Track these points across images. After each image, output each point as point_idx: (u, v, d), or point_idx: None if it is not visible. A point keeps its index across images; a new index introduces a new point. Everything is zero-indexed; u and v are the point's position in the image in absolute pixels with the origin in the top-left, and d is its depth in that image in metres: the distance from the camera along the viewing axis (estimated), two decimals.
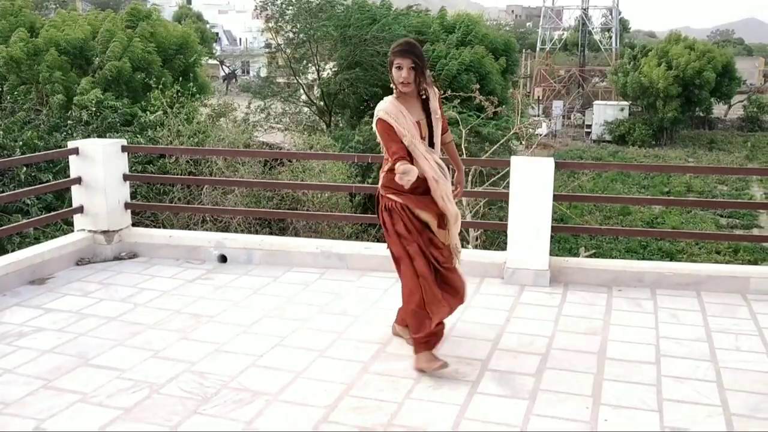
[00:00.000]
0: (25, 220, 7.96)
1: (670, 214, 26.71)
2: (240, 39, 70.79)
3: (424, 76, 4.17)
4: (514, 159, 5.83)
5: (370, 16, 22.35)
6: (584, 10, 62.41)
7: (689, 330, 4.91)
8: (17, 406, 3.79)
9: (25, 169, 11.45)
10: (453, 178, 4.51)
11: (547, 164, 5.70)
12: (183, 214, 12.20)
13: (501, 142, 15.92)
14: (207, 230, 11.91)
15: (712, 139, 45.17)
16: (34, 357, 4.39)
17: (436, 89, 4.35)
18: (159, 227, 12.25)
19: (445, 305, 4.23)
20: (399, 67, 4.10)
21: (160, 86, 14.07)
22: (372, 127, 4.38)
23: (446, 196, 4.22)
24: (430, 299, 4.14)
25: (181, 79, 16.67)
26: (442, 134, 4.35)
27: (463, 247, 4.84)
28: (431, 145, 4.25)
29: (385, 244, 4.41)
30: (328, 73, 23.43)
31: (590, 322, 5.03)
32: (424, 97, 4.25)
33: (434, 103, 4.26)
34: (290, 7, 22.77)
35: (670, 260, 19.53)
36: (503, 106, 16.42)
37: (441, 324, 4.33)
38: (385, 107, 4.16)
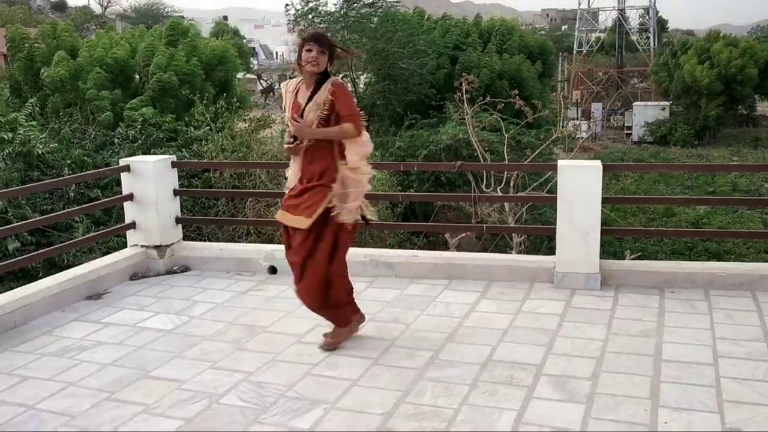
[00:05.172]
0: (81, 237, 8.17)
1: (715, 214, 26.20)
2: (276, 53, 71.51)
3: (331, 62, 4.50)
4: (561, 163, 5.82)
5: (396, 29, 22.45)
6: (621, 10, 61.70)
7: (746, 330, 4.84)
8: (83, 418, 3.90)
9: (74, 186, 11.72)
10: None
11: (595, 167, 5.68)
12: (228, 227, 12.38)
13: (542, 147, 15.81)
14: (251, 242, 12.06)
15: (756, 137, 44.17)
16: (96, 370, 4.51)
17: (337, 80, 4.54)
18: (203, 241, 12.44)
19: None
20: (309, 50, 4.41)
21: (204, 101, 14.30)
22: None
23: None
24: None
25: (222, 93, 16.96)
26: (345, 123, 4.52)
27: (506, 252, 5.00)
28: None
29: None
30: (363, 85, 23.64)
31: (644, 325, 4.99)
32: (318, 81, 4.49)
33: (323, 96, 4.43)
34: (321, 20, 23.00)
35: (718, 261, 19.16)
36: (544, 112, 16.29)
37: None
38: (290, 81, 4.70)
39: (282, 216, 4.61)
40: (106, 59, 16.11)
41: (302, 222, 4.48)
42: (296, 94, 4.55)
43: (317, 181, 4.48)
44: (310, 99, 4.47)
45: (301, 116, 4.45)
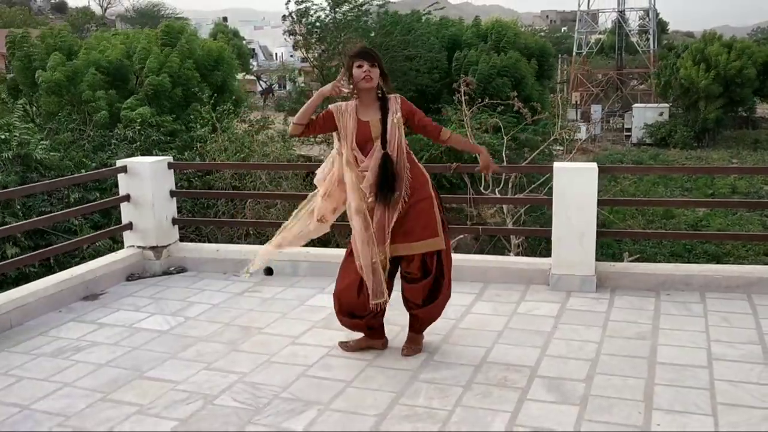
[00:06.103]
0: (78, 238, 8.17)
1: (714, 216, 26.20)
2: (276, 54, 71.50)
3: (385, 78, 4.36)
4: (556, 165, 5.83)
5: (394, 22, 22.42)
6: (620, 12, 61.68)
7: (741, 333, 4.84)
8: (78, 419, 3.90)
9: (73, 189, 11.72)
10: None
11: (591, 169, 5.69)
12: (226, 228, 12.39)
13: (541, 148, 15.82)
14: (250, 243, 12.08)
15: (756, 139, 44.16)
16: (92, 371, 4.51)
17: (398, 96, 4.48)
18: (203, 241, 12.45)
19: None
20: (360, 66, 4.25)
21: (210, 102, 14.32)
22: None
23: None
24: None
25: (220, 93, 16.99)
26: (435, 134, 4.51)
27: (503, 254, 4.95)
28: (384, 143, 4.32)
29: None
30: None
31: (639, 327, 4.99)
32: (380, 96, 4.36)
33: (394, 105, 4.37)
34: (318, 24, 22.98)
35: (717, 263, 19.15)
36: (545, 113, 16.27)
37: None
38: (341, 103, 4.39)
39: (395, 249, 4.41)
40: (101, 61, 16.14)
41: (437, 243, 4.40)
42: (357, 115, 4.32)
43: (414, 198, 4.37)
44: (384, 119, 4.30)
45: (370, 135, 4.29)
